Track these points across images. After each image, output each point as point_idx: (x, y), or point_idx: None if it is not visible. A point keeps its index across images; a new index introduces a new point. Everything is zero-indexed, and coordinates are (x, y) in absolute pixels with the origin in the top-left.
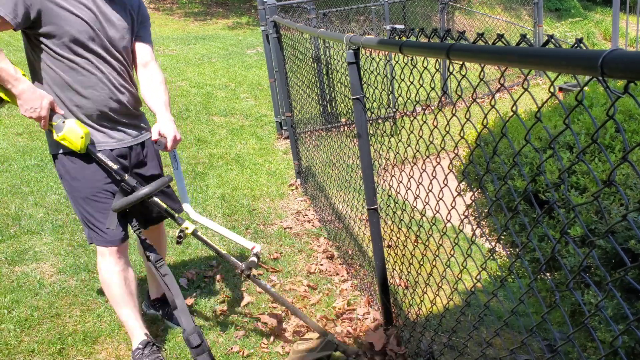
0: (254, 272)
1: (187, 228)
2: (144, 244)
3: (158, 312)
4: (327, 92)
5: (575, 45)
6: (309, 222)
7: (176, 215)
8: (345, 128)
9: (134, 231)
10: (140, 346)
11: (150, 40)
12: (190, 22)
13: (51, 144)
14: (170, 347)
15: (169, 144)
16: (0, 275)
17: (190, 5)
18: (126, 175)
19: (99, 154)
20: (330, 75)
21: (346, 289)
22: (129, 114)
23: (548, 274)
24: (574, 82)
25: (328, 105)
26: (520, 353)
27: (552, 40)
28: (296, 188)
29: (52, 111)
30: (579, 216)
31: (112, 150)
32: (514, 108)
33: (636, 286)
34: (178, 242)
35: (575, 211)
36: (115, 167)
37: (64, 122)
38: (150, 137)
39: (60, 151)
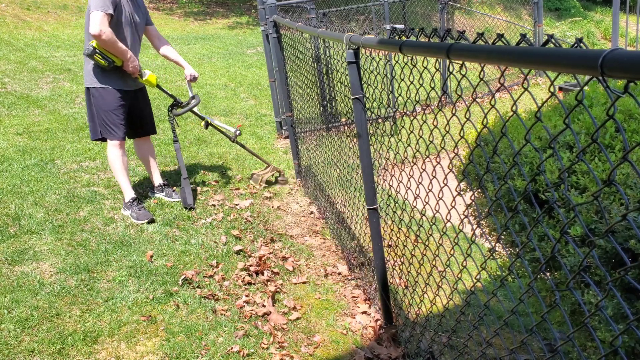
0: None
1: (210, 121)
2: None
3: (162, 194)
4: (327, 91)
5: (575, 45)
6: (309, 222)
7: (200, 114)
8: (345, 128)
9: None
10: (130, 200)
11: (152, 24)
12: (190, 21)
13: (90, 79)
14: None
15: (195, 78)
16: (0, 275)
17: (190, 5)
18: (176, 97)
19: (162, 87)
20: (330, 75)
21: (347, 289)
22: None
23: (548, 274)
24: (574, 82)
25: (328, 105)
26: (520, 353)
27: (552, 40)
28: (296, 190)
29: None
30: (579, 216)
31: (126, 91)
32: (514, 108)
33: (636, 286)
34: (205, 128)
35: (575, 211)
36: (170, 94)
37: (144, 71)
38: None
39: (96, 85)
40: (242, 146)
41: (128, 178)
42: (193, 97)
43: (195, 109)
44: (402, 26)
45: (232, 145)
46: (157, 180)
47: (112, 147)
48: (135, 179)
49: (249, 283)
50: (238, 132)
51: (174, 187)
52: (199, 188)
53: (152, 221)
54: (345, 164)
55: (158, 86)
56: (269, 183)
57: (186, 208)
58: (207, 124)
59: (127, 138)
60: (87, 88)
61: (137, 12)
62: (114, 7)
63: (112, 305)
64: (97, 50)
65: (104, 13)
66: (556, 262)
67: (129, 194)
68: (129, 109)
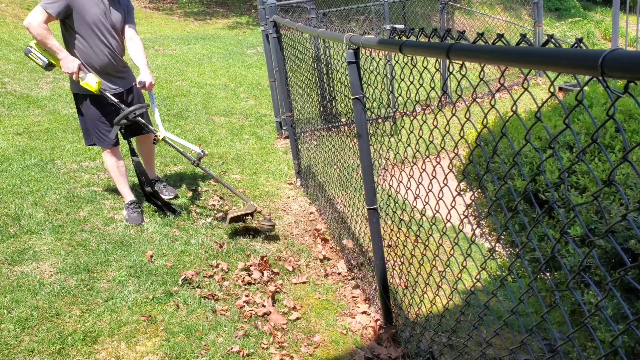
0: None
1: (158, 135)
2: (131, 149)
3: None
4: (327, 91)
5: (575, 45)
6: (309, 222)
7: (150, 126)
8: (345, 128)
9: (124, 139)
10: (129, 202)
11: (133, 22)
12: (190, 21)
13: (74, 87)
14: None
15: (147, 86)
16: (0, 275)
17: (190, 5)
18: (122, 105)
19: (106, 93)
20: (330, 75)
21: (346, 289)
22: (119, 71)
23: (548, 274)
24: (574, 82)
25: (328, 105)
26: (520, 353)
27: (552, 40)
28: (295, 190)
29: (79, 69)
30: (579, 216)
31: (113, 94)
32: (514, 108)
33: (636, 286)
34: (154, 143)
35: (575, 211)
36: (115, 100)
37: (85, 74)
38: (135, 84)
39: (77, 91)
40: (207, 172)
41: (126, 182)
42: (139, 106)
43: (145, 116)
44: (402, 26)
45: (231, 145)
46: (151, 175)
47: (106, 155)
48: (135, 178)
49: (249, 283)
50: (202, 154)
51: (165, 183)
52: (199, 188)
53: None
54: (345, 164)
55: (101, 92)
56: (239, 220)
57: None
58: (156, 140)
59: (126, 138)
60: (75, 94)
61: (117, 10)
62: (64, 9)
63: (112, 305)
64: (32, 50)
65: (43, 9)
66: (556, 262)
67: (128, 197)
68: (120, 112)
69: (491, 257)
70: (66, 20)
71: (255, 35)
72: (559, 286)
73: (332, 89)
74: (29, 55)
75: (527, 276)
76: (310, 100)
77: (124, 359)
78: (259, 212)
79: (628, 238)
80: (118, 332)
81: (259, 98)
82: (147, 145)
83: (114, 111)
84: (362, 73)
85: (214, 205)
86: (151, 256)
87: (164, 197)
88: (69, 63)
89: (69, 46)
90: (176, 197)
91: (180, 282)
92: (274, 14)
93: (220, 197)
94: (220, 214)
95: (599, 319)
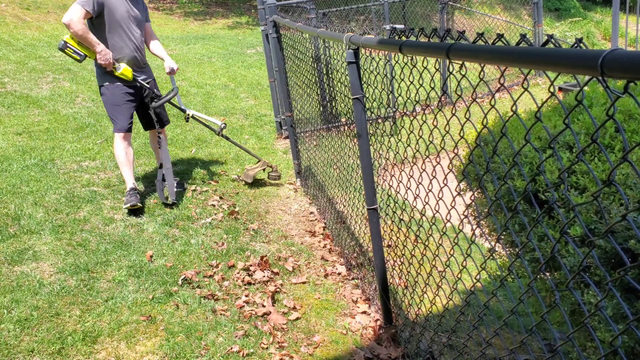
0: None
1: (188, 114)
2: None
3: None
4: (327, 91)
5: (575, 45)
6: (309, 222)
7: (182, 107)
8: (345, 128)
9: (144, 129)
10: (129, 189)
11: (149, 20)
12: (190, 21)
13: (100, 78)
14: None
15: (174, 70)
16: (0, 275)
17: (190, 5)
18: (155, 90)
19: (139, 79)
20: (330, 75)
21: (346, 289)
22: (141, 65)
23: (548, 274)
24: (574, 82)
25: (328, 105)
26: (520, 353)
27: (552, 40)
28: (295, 190)
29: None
30: (579, 216)
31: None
32: (514, 108)
33: (636, 286)
34: (186, 121)
35: (575, 211)
36: (146, 85)
37: (119, 65)
38: (153, 79)
39: (106, 83)
40: (229, 140)
41: (131, 169)
42: (172, 90)
43: (174, 101)
44: (402, 26)
45: (232, 145)
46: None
47: (117, 139)
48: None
49: (249, 283)
50: (223, 126)
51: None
52: (198, 188)
53: (134, 207)
54: (345, 164)
55: (134, 78)
56: (258, 179)
57: (163, 203)
58: (188, 117)
59: (144, 130)
60: (100, 86)
61: (136, 8)
62: (98, 7)
63: (111, 305)
64: (68, 45)
65: (81, 7)
66: (556, 262)
67: (129, 184)
68: (138, 104)
69: (491, 257)
70: (97, 17)
71: (255, 35)
72: (559, 286)
73: (332, 89)
74: (65, 50)
75: (527, 276)
76: (310, 100)
77: (124, 359)
78: (270, 166)
79: (628, 238)
80: (118, 332)
81: (258, 98)
82: (162, 135)
83: (130, 100)
84: (362, 73)
85: (213, 205)
86: (151, 256)
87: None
88: (106, 55)
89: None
90: (183, 188)
91: (180, 282)
92: (273, 14)
93: (220, 197)
94: (220, 214)
95: (599, 319)
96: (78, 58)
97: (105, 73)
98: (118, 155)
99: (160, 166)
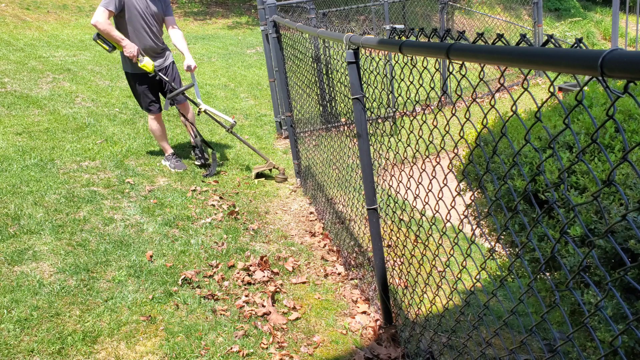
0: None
1: (201, 108)
2: (180, 112)
3: (192, 153)
4: (327, 91)
5: (575, 45)
6: (309, 222)
7: (195, 100)
8: (345, 128)
9: (170, 105)
10: (169, 154)
11: (172, 14)
12: (190, 21)
13: (128, 67)
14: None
15: (191, 68)
16: (0, 275)
17: (190, 5)
18: (173, 83)
19: (160, 73)
20: (330, 75)
21: (346, 289)
22: (158, 52)
23: (548, 274)
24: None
25: (328, 105)
26: (520, 353)
27: (552, 40)
28: (295, 190)
29: (138, 53)
30: (579, 216)
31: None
32: (514, 108)
33: (636, 286)
34: (198, 114)
35: (575, 211)
36: (165, 78)
37: (143, 57)
38: (172, 61)
39: (129, 70)
40: (238, 137)
41: (166, 139)
42: (190, 84)
43: (187, 94)
44: (402, 26)
45: (232, 146)
46: (192, 140)
47: (151, 120)
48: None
49: (249, 283)
50: (234, 122)
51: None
52: (198, 188)
53: (184, 169)
54: (345, 164)
55: (155, 72)
56: (262, 176)
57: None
58: (200, 112)
59: (172, 104)
60: (127, 72)
61: (154, 4)
62: (119, 5)
63: (111, 305)
64: (100, 36)
65: (105, 8)
66: (556, 262)
67: (168, 150)
68: (160, 86)
69: (491, 257)
70: (119, 13)
71: (255, 35)
72: (559, 286)
73: (331, 89)
74: (97, 40)
75: (527, 276)
76: (310, 100)
77: (124, 359)
78: (276, 168)
79: (628, 238)
80: (118, 332)
81: (258, 98)
82: (185, 112)
83: (156, 86)
84: (361, 73)
85: (213, 205)
86: (151, 256)
87: (195, 163)
88: (130, 48)
89: (122, 33)
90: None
91: (180, 282)
92: (273, 14)
93: (220, 197)
94: (220, 214)
95: (599, 319)
96: (107, 48)
97: (129, 61)
98: (154, 131)
99: (192, 147)
